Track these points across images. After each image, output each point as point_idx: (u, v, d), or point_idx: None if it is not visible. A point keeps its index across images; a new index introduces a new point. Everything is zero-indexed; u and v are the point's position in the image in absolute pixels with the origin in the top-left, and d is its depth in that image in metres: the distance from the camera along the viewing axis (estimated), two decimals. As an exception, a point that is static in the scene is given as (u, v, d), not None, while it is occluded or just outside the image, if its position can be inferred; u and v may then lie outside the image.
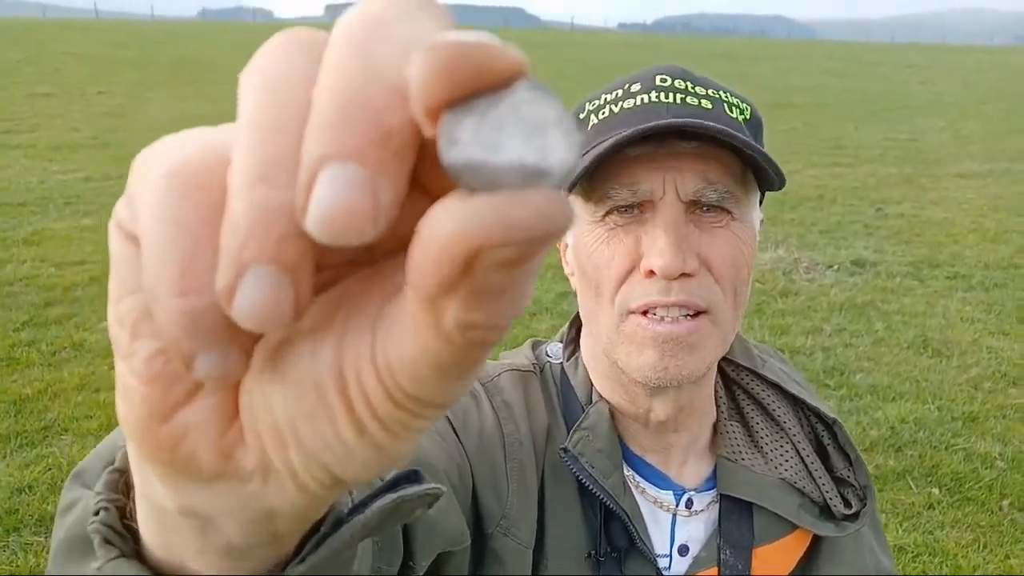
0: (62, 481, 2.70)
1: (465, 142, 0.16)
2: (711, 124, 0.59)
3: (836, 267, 4.61)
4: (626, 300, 0.62)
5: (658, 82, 0.64)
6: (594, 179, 0.64)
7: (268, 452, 0.19)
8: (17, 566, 2.06)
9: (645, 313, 0.62)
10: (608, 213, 0.63)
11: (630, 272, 0.63)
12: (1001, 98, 14.33)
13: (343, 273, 0.20)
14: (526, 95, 0.16)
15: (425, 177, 0.18)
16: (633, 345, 0.63)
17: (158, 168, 0.18)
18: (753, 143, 0.61)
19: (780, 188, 0.66)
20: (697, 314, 0.62)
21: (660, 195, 0.61)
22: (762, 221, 0.71)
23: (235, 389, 0.20)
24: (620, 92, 0.65)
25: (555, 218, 0.15)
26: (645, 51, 25.59)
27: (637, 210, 0.63)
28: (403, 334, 0.17)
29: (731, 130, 0.60)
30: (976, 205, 6.19)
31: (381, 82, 0.16)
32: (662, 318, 0.61)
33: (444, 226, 0.15)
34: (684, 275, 0.61)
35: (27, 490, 2.35)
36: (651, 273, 0.61)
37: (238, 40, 22.98)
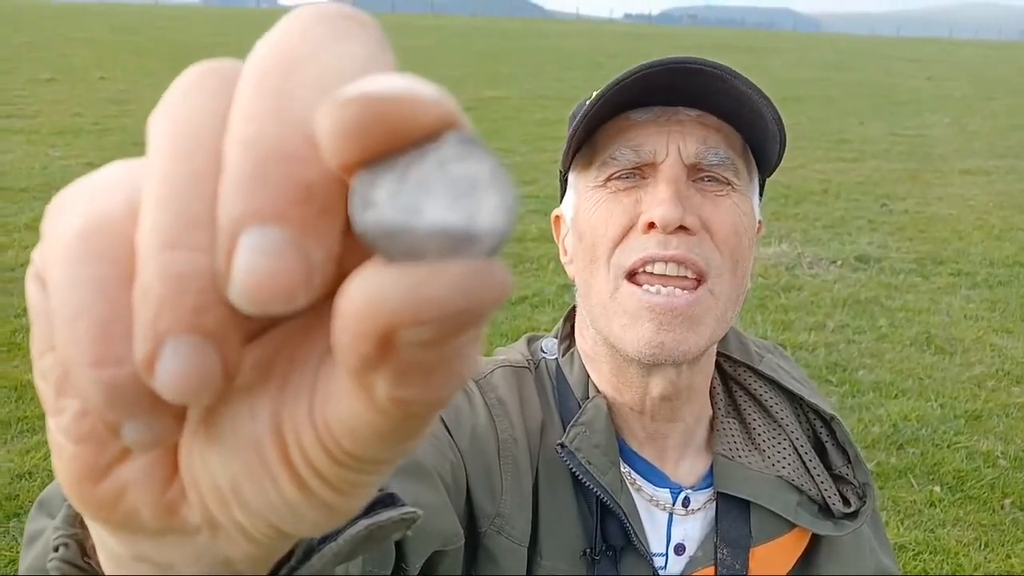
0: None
1: (381, 205, 0.14)
2: (711, 61, 0.61)
3: (840, 263, 4.60)
4: (622, 259, 0.62)
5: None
6: (596, 144, 0.65)
7: (211, 510, 0.18)
8: (17, 552, 2.06)
9: (638, 279, 0.61)
10: (609, 178, 0.64)
11: (628, 231, 0.62)
12: (1008, 94, 14.24)
13: (280, 318, 0.18)
14: (454, 151, 0.14)
15: None
16: (627, 316, 0.62)
17: (69, 224, 0.17)
18: (753, 83, 0.62)
19: (779, 160, 0.68)
20: (696, 286, 0.61)
21: (663, 156, 0.63)
22: (761, 222, 0.70)
23: (174, 444, 0.18)
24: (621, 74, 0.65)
25: (478, 291, 0.14)
26: (651, 42, 25.49)
27: (638, 175, 0.64)
28: (339, 399, 0.16)
29: (731, 73, 0.61)
30: (981, 202, 6.16)
31: (299, 130, 0.14)
32: (658, 290, 0.60)
33: (354, 302, 0.14)
34: (684, 230, 0.60)
35: (27, 476, 2.36)
36: (650, 227, 0.61)
37: (242, 27, 22.92)
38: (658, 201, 0.60)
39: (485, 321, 0.14)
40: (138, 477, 0.18)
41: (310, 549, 0.25)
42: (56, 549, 0.25)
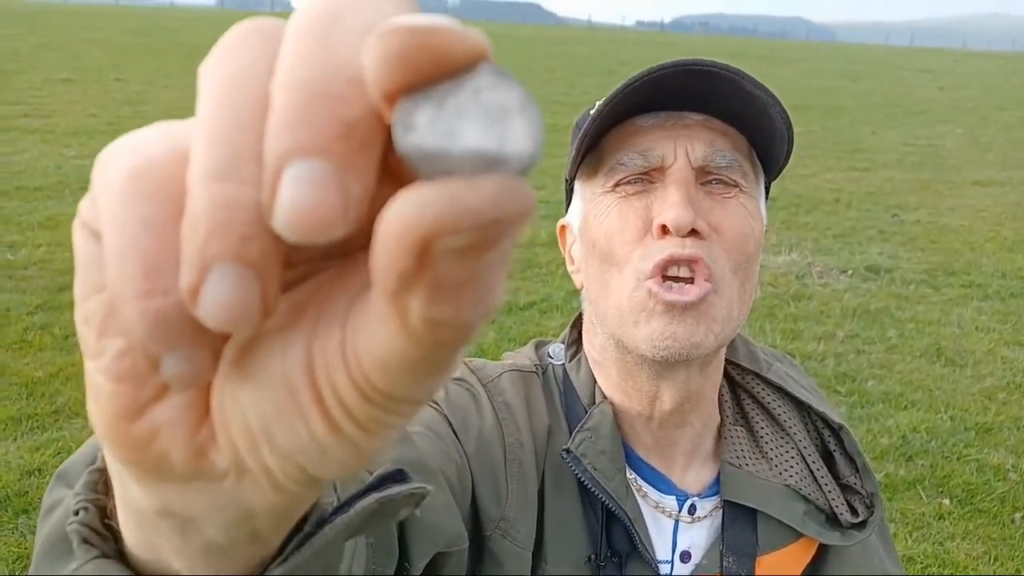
0: (70, 465, 2.73)
1: (421, 129, 0.15)
2: (716, 61, 0.61)
3: (850, 272, 4.57)
4: (644, 263, 0.62)
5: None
6: (603, 151, 0.66)
7: (241, 452, 0.19)
8: (26, 548, 2.07)
9: (660, 279, 0.61)
10: (618, 184, 0.64)
11: (643, 235, 0.63)
12: (1021, 105, 14.15)
13: (314, 268, 0.19)
14: (487, 80, 0.15)
15: (398, 167, 0.17)
16: (642, 314, 0.62)
17: (119, 167, 0.18)
18: (761, 83, 0.62)
19: (786, 161, 0.68)
20: (704, 285, 0.61)
21: (671, 160, 0.63)
22: (766, 225, 0.70)
23: (207, 387, 0.19)
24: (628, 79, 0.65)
25: (509, 204, 0.15)
26: (662, 49, 25.48)
27: (646, 180, 0.64)
28: (372, 331, 0.17)
29: (740, 75, 0.61)
30: (994, 213, 6.12)
31: (341, 72, 0.16)
32: (671, 286, 0.61)
33: (396, 216, 0.15)
34: (696, 234, 0.61)
35: (37, 473, 2.37)
36: (663, 231, 0.61)
37: (256, 31, 22.92)
38: (669, 204, 0.61)
39: (512, 238, 0.15)
40: (171, 418, 0.19)
41: (322, 520, 0.26)
42: (76, 513, 0.26)
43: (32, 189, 5.29)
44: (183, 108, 8.73)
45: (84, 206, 0.19)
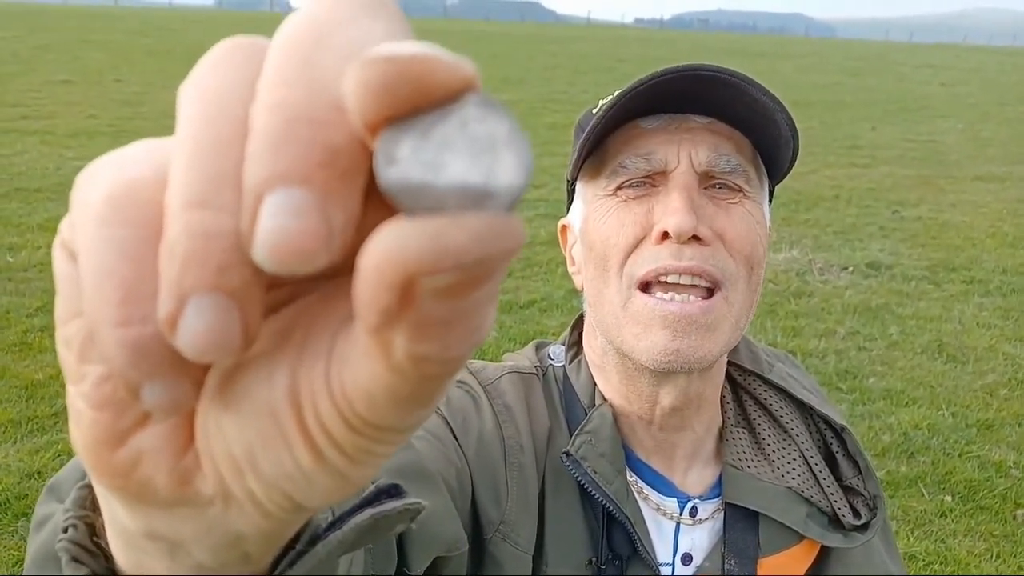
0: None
1: (404, 161, 0.15)
2: (724, 67, 0.59)
3: (851, 269, 4.57)
4: (634, 269, 0.61)
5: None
6: (606, 153, 0.65)
7: (226, 479, 0.18)
8: (25, 551, 2.07)
9: (651, 289, 0.60)
10: (620, 187, 0.63)
11: (640, 241, 0.62)
12: (1022, 100, 14.13)
13: (300, 289, 0.19)
14: (474, 111, 0.15)
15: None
16: (639, 325, 0.61)
17: (97, 189, 0.17)
18: (768, 90, 0.61)
19: (791, 166, 0.67)
20: (710, 294, 0.61)
21: (674, 165, 0.62)
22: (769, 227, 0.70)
23: (191, 413, 0.19)
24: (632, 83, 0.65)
25: (496, 242, 0.14)
26: (661, 47, 25.46)
27: (649, 184, 0.63)
28: (357, 362, 0.16)
29: (746, 80, 0.60)
30: (995, 209, 6.11)
31: (325, 97, 0.15)
32: (672, 297, 0.60)
33: (375, 254, 0.14)
34: (697, 240, 0.60)
35: (36, 475, 2.37)
36: (663, 237, 0.60)
37: (256, 29, 22.91)
38: (671, 210, 0.60)
39: (500, 274, 0.15)
40: (154, 445, 0.19)
41: (315, 537, 0.26)
42: (65, 530, 0.25)
43: (32, 191, 5.29)
44: (182, 109, 8.70)
45: (64, 226, 0.19)
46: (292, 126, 0.15)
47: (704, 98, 0.62)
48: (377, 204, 0.17)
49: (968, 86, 16.85)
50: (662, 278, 0.60)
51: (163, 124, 7.98)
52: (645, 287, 0.61)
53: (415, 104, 0.14)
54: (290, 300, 0.19)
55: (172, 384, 0.17)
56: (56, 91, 9.56)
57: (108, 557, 0.25)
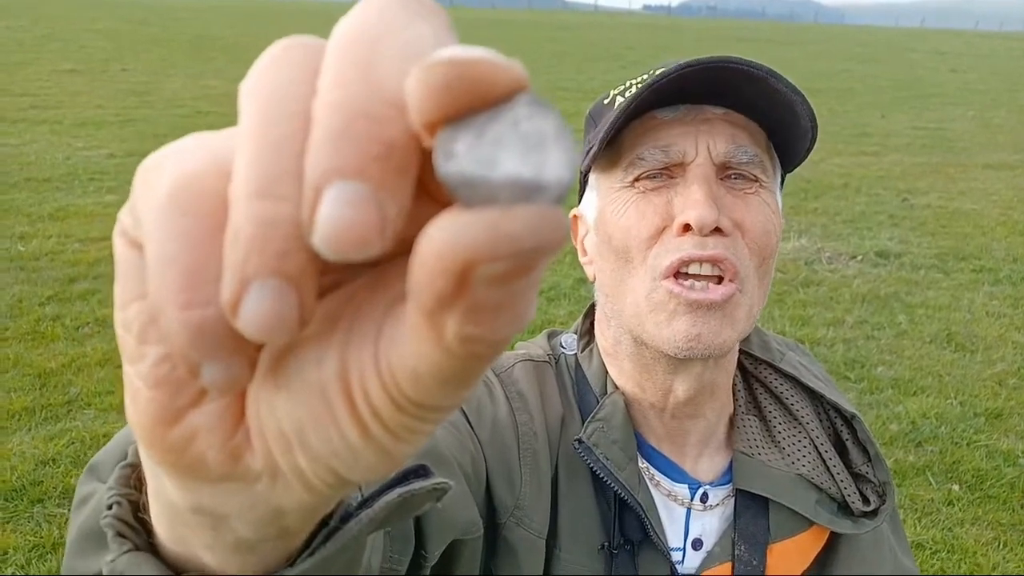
0: (85, 455, 2.72)
1: (461, 157, 0.16)
2: (749, 60, 0.59)
3: (860, 258, 4.55)
4: (658, 260, 0.61)
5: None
6: (622, 145, 0.65)
7: (275, 455, 0.19)
8: (41, 537, 2.10)
9: (677, 277, 0.61)
10: (638, 179, 0.63)
11: (661, 232, 0.62)
12: (1035, 87, 13.98)
13: (348, 275, 0.20)
14: (525, 110, 0.16)
15: (433, 184, 0.17)
16: (663, 314, 0.61)
17: (161, 182, 0.18)
18: (790, 81, 0.61)
19: (804, 157, 0.67)
20: (729, 283, 0.61)
21: (692, 156, 0.62)
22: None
23: (242, 392, 0.20)
24: (647, 75, 0.64)
25: (547, 233, 0.15)
26: (669, 34, 25.27)
27: (666, 175, 0.63)
28: (405, 342, 0.17)
29: (770, 74, 0.60)
30: (1005, 197, 6.07)
31: (382, 95, 0.16)
32: (692, 285, 0.60)
33: (436, 241, 0.15)
34: (718, 232, 0.60)
35: (51, 463, 2.40)
36: (684, 229, 0.60)
37: (260, 18, 23.03)
38: (692, 203, 0.60)
39: (547, 262, 0.16)
40: (208, 422, 0.20)
41: (347, 515, 0.27)
42: (110, 507, 0.27)
43: (41, 180, 5.31)
44: (188, 97, 8.73)
45: (123, 215, 0.20)
46: (351, 123, 0.16)
47: (720, 88, 0.62)
48: (425, 197, 0.18)
49: (979, 73, 16.68)
50: (683, 269, 0.61)
51: (170, 113, 7.98)
52: (669, 277, 0.62)
53: (471, 104, 0.15)
54: (336, 286, 0.20)
55: (230, 363, 0.18)
56: (62, 80, 9.58)
57: (150, 533, 0.26)
